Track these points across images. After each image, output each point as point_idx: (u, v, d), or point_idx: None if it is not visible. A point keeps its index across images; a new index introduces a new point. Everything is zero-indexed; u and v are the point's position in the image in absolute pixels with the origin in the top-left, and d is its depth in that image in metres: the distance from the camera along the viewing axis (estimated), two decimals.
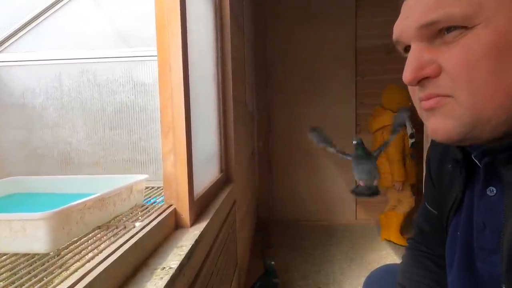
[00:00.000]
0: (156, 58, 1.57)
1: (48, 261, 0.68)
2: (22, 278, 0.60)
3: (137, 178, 1.11)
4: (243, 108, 2.06)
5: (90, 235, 0.84)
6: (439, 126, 0.45)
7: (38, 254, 0.71)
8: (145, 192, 1.20)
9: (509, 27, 0.40)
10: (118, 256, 0.56)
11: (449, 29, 0.42)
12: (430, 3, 0.43)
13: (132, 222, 0.92)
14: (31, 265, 0.67)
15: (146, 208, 1.08)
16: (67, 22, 1.51)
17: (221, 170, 1.46)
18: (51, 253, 0.71)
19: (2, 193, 1.12)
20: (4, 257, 0.70)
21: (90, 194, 0.90)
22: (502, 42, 0.40)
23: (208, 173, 1.24)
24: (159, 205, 1.10)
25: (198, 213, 1.00)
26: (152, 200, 1.20)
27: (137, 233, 0.69)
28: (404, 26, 0.46)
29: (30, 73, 1.50)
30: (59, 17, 1.51)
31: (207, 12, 1.29)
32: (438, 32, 0.43)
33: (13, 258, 0.69)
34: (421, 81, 0.45)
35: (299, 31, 3.13)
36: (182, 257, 0.69)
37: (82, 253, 0.71)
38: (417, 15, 0.44)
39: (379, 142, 2.62)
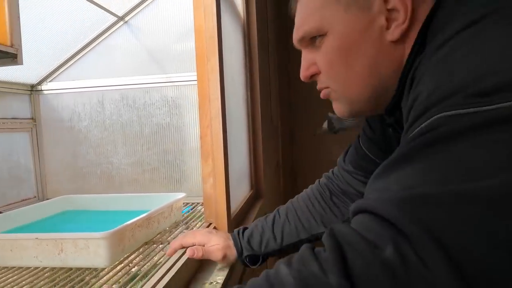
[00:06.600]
0: (189, 83, 1.68)
1: (112, 276, 0.77)
2: None
3: (177, 196, 1.20)
4: (269, 124, 2.15)
5: (140, 250, 0.93)
6: (336, 108, 0.60)
7: (99, 269, 0.81)
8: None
9: (345, 31, 0.52)
10: (176, 271, 0.65)
11: (314, 38, 0.55)
12: (297, 23, 0.58)
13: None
14: (101, 278, 0.76)
15: (186, 224, 1.17)
16: (108, 53, 1.66)
17: (251, 187, 1.54)
18: (107, 268, 0.81)
19: (56, 210, 1.24)
20: (71, 271, 0.80)
21: (136, 211, 1.00)
22: (344, 43, 0.52)
23: (240, 190, 1.33)
24: (199, 223, 1.19)
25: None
26: (186, 214, 1.29)
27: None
28: (293, 38, 0.60)
29: (77, 99, 1.66)
30: (101, 49, 1.66)
31: (238, 41, 1.39)
32: (310, 40, 0.56)
33: (86, 272, 0.79)
34: (312, 77, 0.59)
35: None
36: (226, 272, 0.77)
37: (137, 267, 0.81)
38: (294, 32, 0.59)
39: None
